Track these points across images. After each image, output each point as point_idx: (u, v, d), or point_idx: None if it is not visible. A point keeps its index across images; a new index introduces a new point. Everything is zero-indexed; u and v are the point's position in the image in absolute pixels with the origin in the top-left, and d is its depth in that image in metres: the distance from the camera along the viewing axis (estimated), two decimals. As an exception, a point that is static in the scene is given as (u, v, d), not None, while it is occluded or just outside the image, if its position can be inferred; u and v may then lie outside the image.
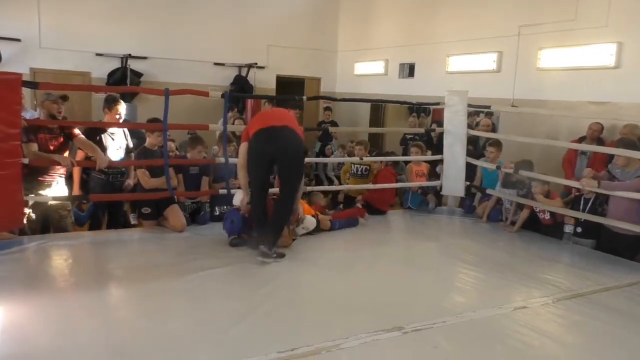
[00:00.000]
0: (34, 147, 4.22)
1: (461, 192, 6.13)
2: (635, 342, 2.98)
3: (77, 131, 4.56)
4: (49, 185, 4.45)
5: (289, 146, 4.04)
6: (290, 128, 4.10)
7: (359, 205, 5.77)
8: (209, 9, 9.91)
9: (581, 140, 5.99)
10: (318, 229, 4.85)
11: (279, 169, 4.20)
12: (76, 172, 4.85)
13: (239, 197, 4.46)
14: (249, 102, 9.65)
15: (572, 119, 6.44)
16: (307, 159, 6.47)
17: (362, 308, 3.22)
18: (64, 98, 5.13)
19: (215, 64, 10.15)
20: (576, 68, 6.53)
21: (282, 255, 4.05)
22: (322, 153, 8.68)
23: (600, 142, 5.88)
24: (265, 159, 4.05)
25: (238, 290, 3.45)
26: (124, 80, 9.07)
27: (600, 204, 4.70)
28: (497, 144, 5.77)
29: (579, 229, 4.85)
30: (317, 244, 4.66)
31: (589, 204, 4.73)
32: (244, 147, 4.21)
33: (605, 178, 4.58)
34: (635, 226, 4.26)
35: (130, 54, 9.25)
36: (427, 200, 6.16)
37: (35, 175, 4.29)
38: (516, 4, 7.35)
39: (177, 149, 6.14)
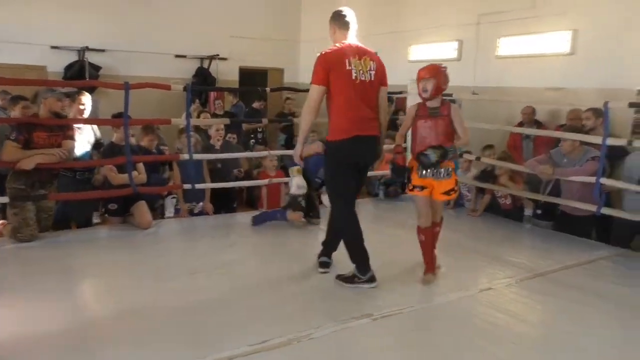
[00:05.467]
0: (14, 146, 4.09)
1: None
2: (596, 317, 3.12)
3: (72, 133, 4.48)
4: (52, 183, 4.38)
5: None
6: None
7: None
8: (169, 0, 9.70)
9: (521, 124, 6.31)
10: None
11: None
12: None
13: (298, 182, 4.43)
14: (212, 95, 9.53)
15: (527, 104, 6.61)
16: (275, 151, 6.47)
17: (330, 297, 3.26)
18: (70, 95, 4.87)
19: (177, 56, 9.95)
20: (533, 55, 6.69)
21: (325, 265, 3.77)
22: (287, 145, 8.65)
23: (538, 124, 6.27)
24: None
25: (204, 285, 3.43)
26: (82, 74, 8.79)
27: (559, 187, 4.88)
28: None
29: (538, 211, 5.05)
30: (281, 235, 4.68)
31: (549, 187, 4.90)
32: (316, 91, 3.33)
33: (546, 162, 4.76)
34: (591, 206, 4.44)
35: (87, 47, 8.96)
36: (396, 187, 6.24)
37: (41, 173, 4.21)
38: (475, -8, 7.47)
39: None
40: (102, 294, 3.39)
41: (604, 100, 4.41)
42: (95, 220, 5.25)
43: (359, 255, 3.41)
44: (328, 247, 3.78)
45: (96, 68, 9.04)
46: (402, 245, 4.55)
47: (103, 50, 9.16)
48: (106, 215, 5.03)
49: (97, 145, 4.99)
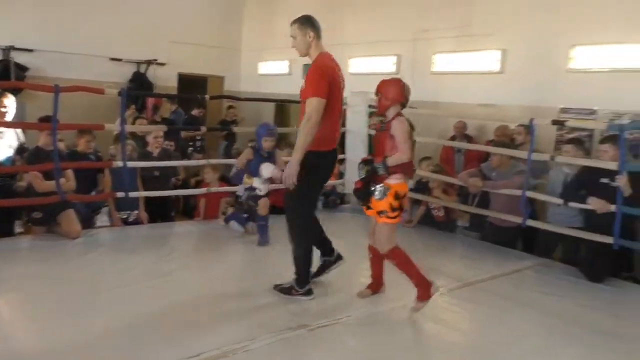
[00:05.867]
0: None
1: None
2: (523, 325, 3.26)
3: None
4: None
5: None
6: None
7: None
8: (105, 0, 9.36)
9: (453, 138, 6.61)
10: None
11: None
12: None
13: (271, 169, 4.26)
14: (149, 101, 9.27)
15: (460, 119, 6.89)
16: (213, 160, 6.35)
17: (266, 308, 3.23)
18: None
19: (112, 59, 9.62)
20: (466, 72, 7.00)
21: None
22: (227, 153, 8.55)
23: (468, 138, 6.61)
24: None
25: (135, 298, 3.30)
26: (6, 75, 8.30)
27: (487, 199, 5.11)
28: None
29: (466, 223, 5.28)
30: (218, 245, 4.61)
31: (477, 199, 5.13)
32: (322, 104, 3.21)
33: (476, 175, 5.01)
34: (517, 218, 4.67)
35: (13, 46, 8.48)
36: (334, 198, 6.31)
37: None
38: (413, 10, 7.72)
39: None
40: (21, 308, 3.18)
41: (530, 117, 4.68)
42: (18, 229, 4.95)
43: (304, 268, 3.41)
44: (325, 246, 3.74)
45: (23, 69, 8.57)
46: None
47: (31, 50, 8.70)
48: (30, 224, 4.75)
49: (20, 150, 4.72)
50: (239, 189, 4.79)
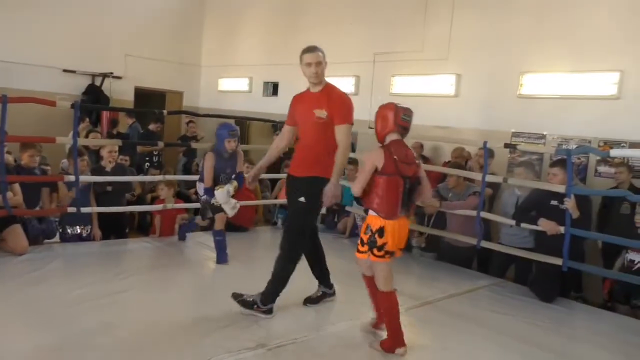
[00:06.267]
0: None
1: (322, 209, 6.34)
2: (477, 343, 3.32)
3: None
4: None
5: None
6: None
7: None
8: (58, 9, 9.09)
9: None
10: None
11: None
12: None
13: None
14: (105, 114, 9.05)
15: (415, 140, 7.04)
16: (171, 176, 6.23)
17: (224, 327, 3.17)
18: None
19: (65, 70, 9.35)
20: (423, 95, 7.18)
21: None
22: (186, 169, 8.43)
23: (425, 159, 6.68)
24: None
25: (86, 317, 3.17)
26: (-50, 83, 7.93)
27: (442, 219, 5.21)
28: (355, 162, 6.11)
29: (422, 244, 5.37)
30: (173, 263, 4.51)
31: (432, 220, 5.22)
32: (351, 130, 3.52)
33: (433, 195, 5.11)
34: (471, 238, 4.78)
35: (-44, 54, 8.14)
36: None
37: None
38: (372, 32, 7.90)
39: (15, 161, 5.54)
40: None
41: (484, 140, 4.83)
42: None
43: (277, 288, 3.39)
44: (325, 277, 3.78)
45: (-32, 78, 8.21)
46: (295, 274, 4.57)
47: (-23, 59, 8.35)
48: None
49: None
50: (199, 188, 4.66)
